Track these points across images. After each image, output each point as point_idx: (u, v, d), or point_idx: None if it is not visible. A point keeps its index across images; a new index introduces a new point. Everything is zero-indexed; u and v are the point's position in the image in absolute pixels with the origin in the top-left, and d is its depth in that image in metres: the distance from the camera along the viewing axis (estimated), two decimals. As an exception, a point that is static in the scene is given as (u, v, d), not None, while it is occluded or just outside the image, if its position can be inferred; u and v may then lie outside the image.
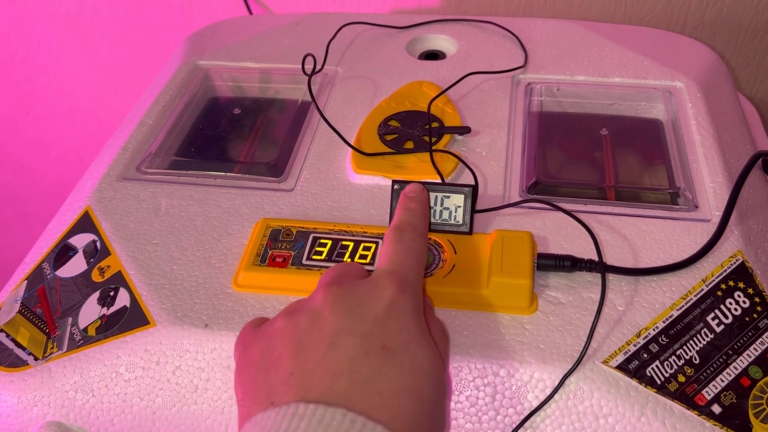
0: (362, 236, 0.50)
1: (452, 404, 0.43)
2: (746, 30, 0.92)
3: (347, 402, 0.31)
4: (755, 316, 0.46)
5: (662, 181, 0.56)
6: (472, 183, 0.52)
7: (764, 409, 0.42)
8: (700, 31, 0.93)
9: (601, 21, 0.90)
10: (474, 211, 0.51)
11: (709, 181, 0.54)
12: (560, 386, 0.42)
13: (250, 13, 0.98)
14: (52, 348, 0.47)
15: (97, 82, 1.15)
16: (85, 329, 0.48)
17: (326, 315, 0.35)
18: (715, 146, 0.57)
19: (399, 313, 0.36)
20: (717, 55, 0.70)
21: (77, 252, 0.52)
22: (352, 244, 0.49)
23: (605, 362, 0.43)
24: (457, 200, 0.50)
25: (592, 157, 0.59)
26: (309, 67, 0.65)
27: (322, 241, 0.50)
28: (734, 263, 0.48)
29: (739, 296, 0.46)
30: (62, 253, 0.53)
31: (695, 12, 0.92)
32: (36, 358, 0.47)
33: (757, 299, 0.46)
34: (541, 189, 0.55)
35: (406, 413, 0.32)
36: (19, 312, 0.50)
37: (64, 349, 0.47)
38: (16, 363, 0.47)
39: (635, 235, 0.50)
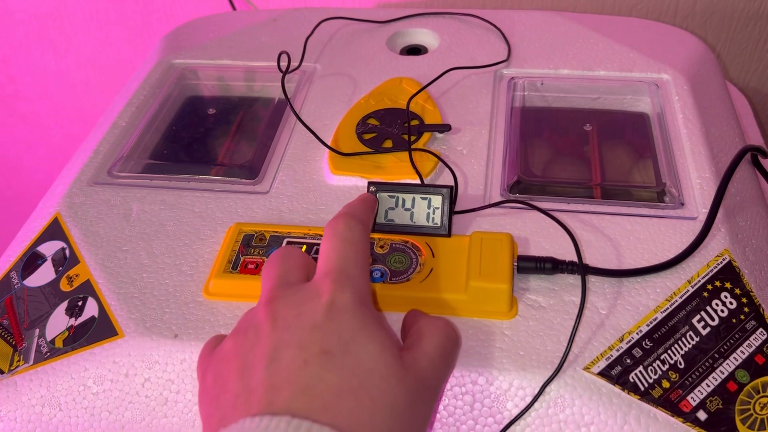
0: (338, 240, 0.48)
1: (429, 414, 0.42)
2: (738, 18, 0.91)
3: (290, 411, 0.31)
4: (742, 317, 0.44)
5: (649, 177, 0.55)
6: (451, 183, 0.50)
7: (752, 415, 0.41)
8: (691, 20, 0.91)
9: (590, 12, 0.89)
10: (452, 212, 0.49)
11: (695, 177, 0.52)
12: (540, 394, 0.41)
13: (234, 8, 0.97)
14: (19, 361, 0.46)
15: (81, 81, 1.13)
16: (53, 341, 0.46)
17: (266, 331, 0.35)
18: (702, 140, 0.55)
19: (338, 314, 0.35)
20: (706, 46, 0.68)
21: (46, 260, 0.51)
22: (327, 249, 0.48)
23: (587, 368, 0.42)
24: (435, 201, 0.49)
25: (576, 153, 0.58)
26: (285, 64, 0.63)
27: (296, 245, 0.48)
28: (721, 262, 0.47)
29: (725, 297, 0.45)
30: (30, 261, 0.51)
31: (686, 1, 0.90)
32: (2, 372, 0.46)
33: (744, 300, 0.45)
34: (523, 188, 0.53)
35: (352, 412, 0.32)
36: (-14, 323, 0.49)
37: (31, 362, 0.46)
38: (-18, 377, 0.46)
39: (619, 234, 0.49)
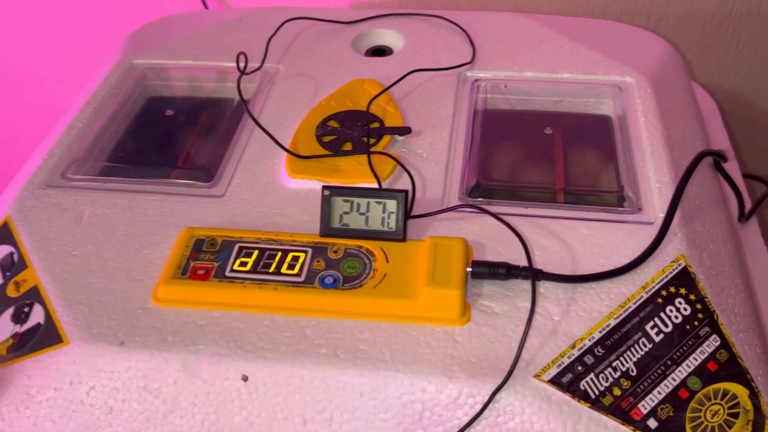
0: (291, 245, 0.48)
1: (378, 423, 0.41)
2: (711, 21, 0.90)
3: None
4: (696, 323, 0.44)
5: (610, 181, 0.54)
6: (407, 188, 0.49)
7: (702, 423, 0.40)
8: (664, 23, 0.91)
9: (564, 13, 0.88)
10: (408, 217, 0.48)
11: (654, 181, 0.52)
12: (489, 402, 0.40)
13: (206, 7, 0.95)
14: (-39, 369, 0.45)
15: (51, 80, 1.11)
16: (-4, 348, 0.45)
17: None
18: (663, 144, 0.55)
19: None
20: (673, 49, 0.68)
21: (-7, 265, 0.50)
22: (279, 254, 0.47)
23: (537, 376, 0.41)
24: (390, 206, 0.48)
25: (536, 157, 0.57)
26: (243, 65, 0.62)
27: (247, 250, 0.47)
28: (676, 268, 0.46)
29: (680, 303, 0.45)
30: (-22, 266, 0.50)
31: (659, 3, 0.90)
32: (-57, 380, 0.45)
33: (698, 306, 0.45)
34: (482, 192, 0.53)
35: None
36: (-70, 330, 0.47)
37: (-27, 370, 0.45)
38: (-77, 385, 0.45)
39: (576, 239, 0.48)
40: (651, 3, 0.89)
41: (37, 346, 0.45)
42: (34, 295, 0.47)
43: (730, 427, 0.40)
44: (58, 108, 1.16)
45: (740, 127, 1.00)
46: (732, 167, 0.66)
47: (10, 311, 0.47)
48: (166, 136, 0.61)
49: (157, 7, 0.99)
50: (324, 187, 0.48)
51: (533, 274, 0.44)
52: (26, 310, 0.47)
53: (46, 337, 0.45)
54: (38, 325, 0.46)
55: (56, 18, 1.03)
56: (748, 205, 0.61)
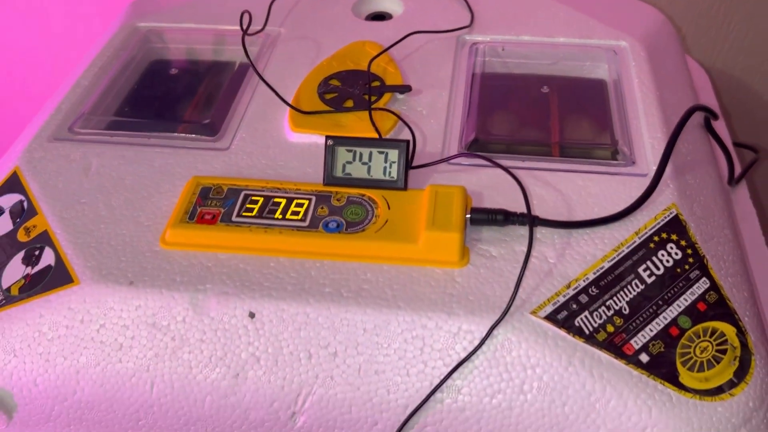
0: (295, 193, 0.49)
1: (381, 357, 0.43)
2: (702, 0, 0.92)
3: None
4: (687, 267, 0.46)
5: (604, 137, 0.56)
6: (409, 140, 0.51)
7: (692, 358, 0.42)
8: (657, 1, 0.93)
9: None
10: (409, 167, 0.50)
11: (647, 137, 0.54)
12: (487, 337, 0.42)
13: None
14: (-26, 308, 0.46)
15: (51, 53, 1.12)
16: (8, 289, 0.46)
17: None
18: (655, 104, 0.56)
19: None
20: (665, 17, 0.70)
21: (3, 212, 0.51)
22: (284, 201, 0.48)
23: (533, 312, 0.43)
24: (392, 156, 0.49)
25: (533, 115, 0.59)
26: (246, 24, 0.63)
27: (253, 198, 0.49)
28: (668, 216, 0.48)
29: (671, 248, 0.46)
30: (-12, 214, 0.51)
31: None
32: (-44, 319, 0.46)
33: (689, 251, 0.46)
34: (481, 146, 0.54)
35: None
36: (-58, 273, 0.49)
37: (-14, 310, 0.46)
38: (-64, 324, 0.46)
39: (571, 190, 0.50)
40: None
41: (48, 286, 0.46)
42: (45, 240, 0.48)
43: (718, 362, 0.42)
44: (56, 81, 1.17)
45: (732, 105, 1.02)
46: (723, 133, 0.68)
47: (21, 254, 0.48)
48: (170, 93, 0.62)
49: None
50: (327, 137, 0.50)
51: (531, 219, 0.45)
52: (37, 253, 0.48)
53: (56, 277, 0.46)
54: (49, 266, 0.47)
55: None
56: (738, 170, 0.63)
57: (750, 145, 0.78)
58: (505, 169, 0.48)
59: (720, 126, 0.70)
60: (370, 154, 0.49)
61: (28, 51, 1.11)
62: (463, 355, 0.42)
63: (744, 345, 0.43)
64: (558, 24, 0.65)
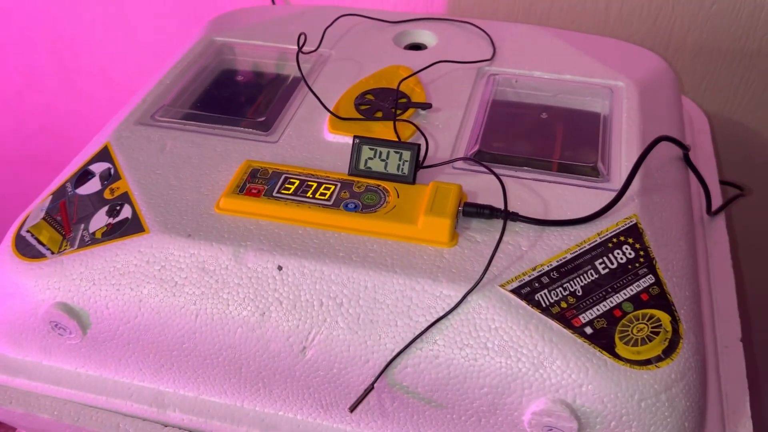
0: (325, 179, 0.61)
1: (377, 310, 0.53)
2: (724, 56, 0.99)
3: None
4: (637, 265, 0.55)
5: (586, 158, 0.66)
6: (421, 145, 0.62)
7: (629, 335, 0.52)
8: (681, 53, 1.00)
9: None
10: (418, 166, 0.61)
11: (624, 160, 0.64)
12: (462, 301, 0.52)
13: (273, 3, 1.10)
14: (66, 245, 0.59)
15: (133, 62, 1.28)
16: (93, 233, 0.59)
17: None
18: (637, 134, 0.66)
19: None
20: (666, 64, 0.80)
21: (95, 176, 0.64)
22: (315, 185, 0.60)
23: (502, 286, 0.53)
24: (405, 156, 0.61)
25: (532, 136, 0.69)
26: (302, 43, 0.76)
27: (291, 180, 0.61)
28: (628, 223, 0.58)
29: (626, 249, 0.56)
30: (83, 176, 0.64)
31: (678, 35, 1.00)
32: (52, 252, 0.59)
33: (641, 252, 0.56)
34: (483, 156, 0.65)
35: None
36: (43, 218, 0.62)
37: (75, 247, 0.59)
38: (37, 255, 0.59)
39: (551, 196, 0.60)
40: (670, 33, 1.00)
41: (124, 233, 0.58)
42: (125, 199, 0.61)
43: (650, 341, 0.51)
44: (138, 89, 1.32)
45: (749, 159, 1.08)
46: (708, 170, 0.77)
47: (105, 208, 0.61)
48: (235, 96, 0.75)
49: (231, 3, 1.15)
50: (355, 137, 0.61)
51: (506, 213, 0.56)
52: (118, 208, 0.61)
53: (131, 227, 0.59)
54: (126, 218, 0.59)
55: (143, 8, 1.19)
56: (719, 203, 0.72)
57: (737, 183, 0.87)
58: (494, 173, 0.59)
59: (708, 164, 0.80)
60: (388, 152, 0.61)
61: (118, 56, 1.27)
62: (441, 314, 0.52)
63: (675, 331, 0.52)
64: (567, 63, 0.76)
